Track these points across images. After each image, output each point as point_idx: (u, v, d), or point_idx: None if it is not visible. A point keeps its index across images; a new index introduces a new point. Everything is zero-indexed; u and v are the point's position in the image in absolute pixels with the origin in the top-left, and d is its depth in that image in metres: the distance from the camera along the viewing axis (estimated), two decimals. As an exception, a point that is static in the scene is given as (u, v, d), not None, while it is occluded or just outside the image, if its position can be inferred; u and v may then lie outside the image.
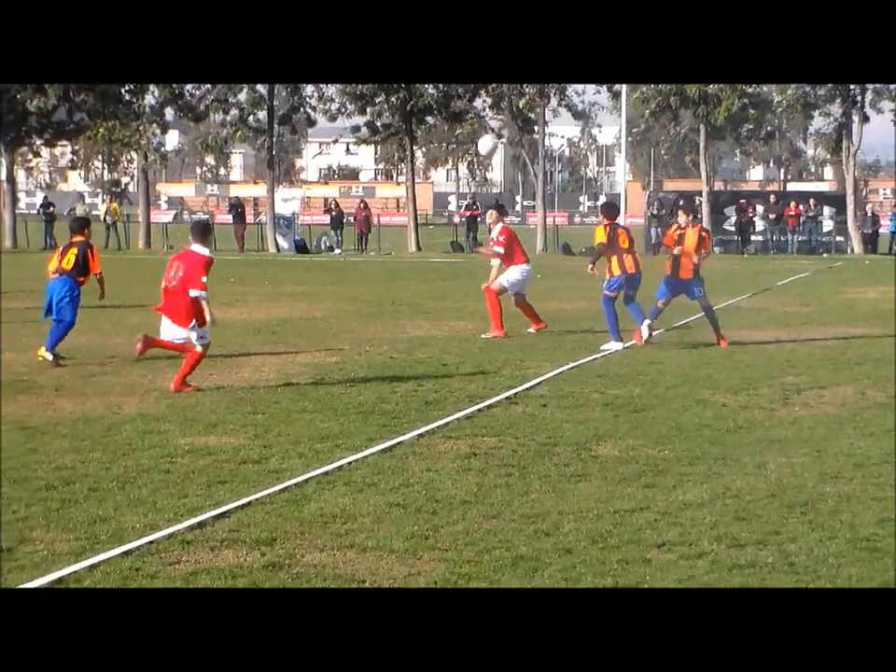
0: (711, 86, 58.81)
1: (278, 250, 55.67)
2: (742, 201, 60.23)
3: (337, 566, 8.02)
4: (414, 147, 66.01)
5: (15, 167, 65.29)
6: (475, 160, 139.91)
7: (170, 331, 14.86)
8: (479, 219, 59.62)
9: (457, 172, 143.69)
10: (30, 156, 74.43)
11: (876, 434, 12.36)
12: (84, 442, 11.78)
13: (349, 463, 10.95)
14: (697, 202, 60.57)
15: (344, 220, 59.30)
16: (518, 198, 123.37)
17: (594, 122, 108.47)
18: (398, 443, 11.84)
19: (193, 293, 14.52)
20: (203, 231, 15.47)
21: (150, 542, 8.46)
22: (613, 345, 19.05)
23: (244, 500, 9.58)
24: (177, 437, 12.11)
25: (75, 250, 17.69)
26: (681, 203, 24.98)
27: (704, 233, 20.28)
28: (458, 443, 11.90)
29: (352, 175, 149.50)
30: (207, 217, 75.07)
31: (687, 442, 11.95)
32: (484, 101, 63.98)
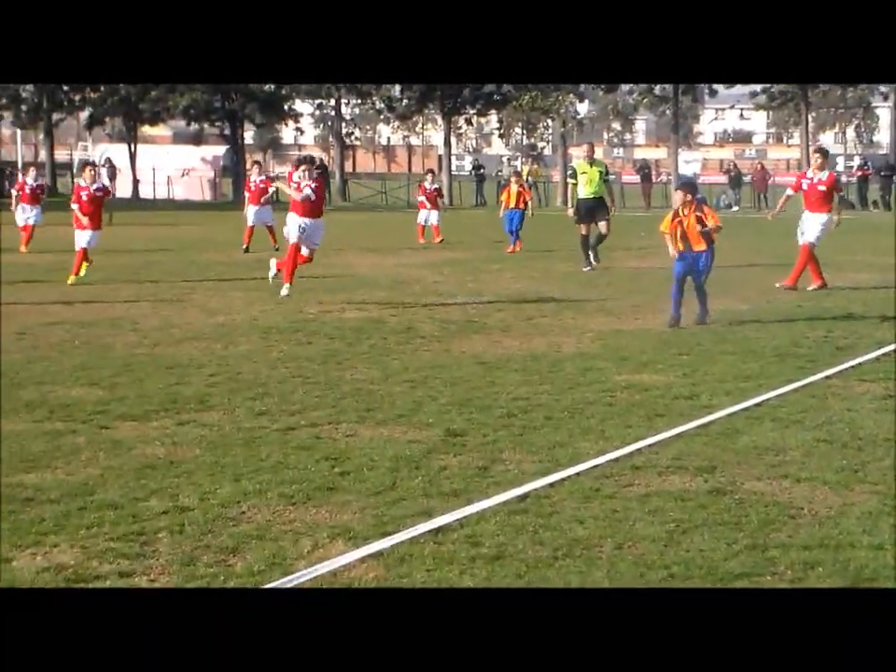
0: None
1: (682, 206, 55.09)
2: None
3: (775, 493, 7.87)
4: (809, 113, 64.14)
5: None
6: (862, 123, 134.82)
7: None
8: (868, 179, 57.43)
9: (844, 135, 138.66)
10: (461, 124, 75.99)
11: None
12: (534, 377, 12.01)
13: (771, 400, 10.77)
14: None
15: (742, 181, 58.19)
16: None
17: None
18: (814, 383, 11.56)
19: None
20: None
21: (602, 466, 8.54)
22: None
23: (680, 429, 9.56)
24: (613, 374, 12.18)
25: None
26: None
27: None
28: (873, 386, 11.51)
29: (745, 138, 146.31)
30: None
31: None
32: None
